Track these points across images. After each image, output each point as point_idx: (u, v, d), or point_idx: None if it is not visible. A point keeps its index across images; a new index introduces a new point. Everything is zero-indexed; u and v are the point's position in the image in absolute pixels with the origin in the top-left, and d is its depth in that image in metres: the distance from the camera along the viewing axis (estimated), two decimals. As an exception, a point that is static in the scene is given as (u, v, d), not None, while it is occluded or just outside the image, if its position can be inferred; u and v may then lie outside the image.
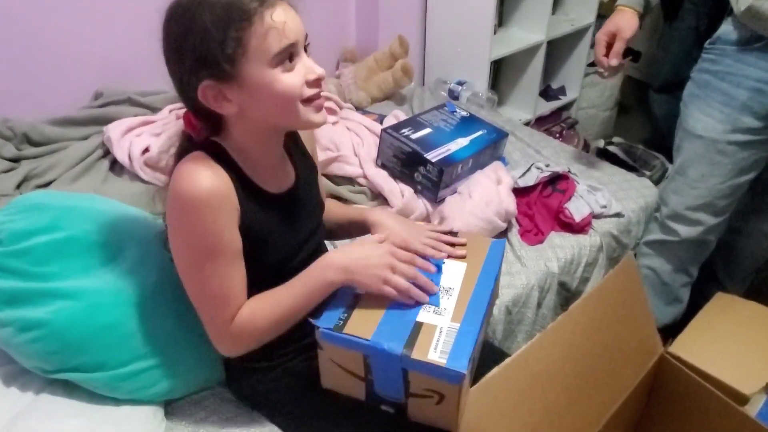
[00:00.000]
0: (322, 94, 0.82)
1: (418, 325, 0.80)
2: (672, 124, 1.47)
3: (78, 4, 1.55)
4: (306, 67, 0.79)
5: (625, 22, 1.38)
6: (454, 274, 0.91)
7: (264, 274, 0.88)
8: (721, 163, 1.34)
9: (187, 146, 0.84)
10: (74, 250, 0.93)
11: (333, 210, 1.10)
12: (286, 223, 0.90)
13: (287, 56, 0.76)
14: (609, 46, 1.41)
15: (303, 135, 1.01)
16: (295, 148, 0.97)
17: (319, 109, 0.82)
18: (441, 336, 0.78)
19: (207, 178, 0.77)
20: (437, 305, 0.84)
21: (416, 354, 0.76)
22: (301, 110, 0.80)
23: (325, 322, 0.80)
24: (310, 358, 0.98)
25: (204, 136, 0.82)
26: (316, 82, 0.80)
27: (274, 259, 0.90)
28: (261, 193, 0.86)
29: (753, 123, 1.28)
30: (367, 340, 0.77)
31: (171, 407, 1.01)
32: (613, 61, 1.40)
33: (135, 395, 0.93)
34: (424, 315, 0.83)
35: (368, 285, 0.82)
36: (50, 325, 0.87)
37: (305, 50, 0.80)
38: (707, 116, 1.33)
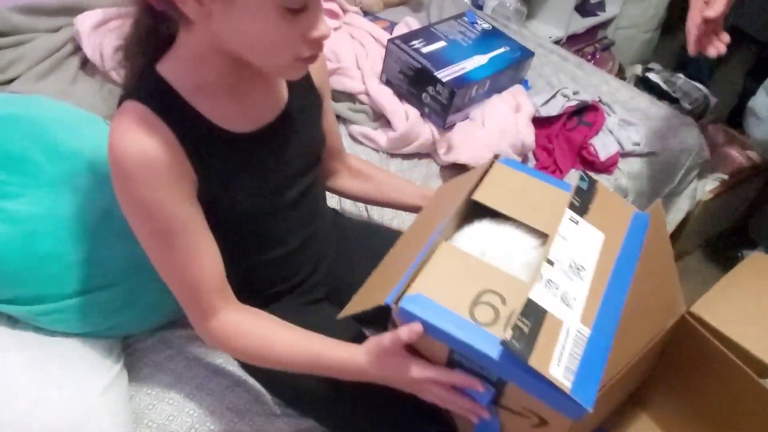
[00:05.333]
0: None
1: (541, 313, 0.57)
2: None
3: None
4: (312, 20, 0.62)
5: None
6: (587, 246, 0.65)
7: (243, 220, 0.76)
8: None
9: (146, 27, 0.65)
10: (10, 167, 0.79)
11: (384, 188, 0.97)
12: (259, 167, 0.74)
13: (299, 4, 0.59)
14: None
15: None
16: None
17: (305, 66, 0.67)
18: (567, 342, 0.56)
19: (138, 143, 0.62)
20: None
21: (534, 360, 0.53)
22: (286, 64, 0.65)
23: (409, 301, 0.59)
24: (296, 297, 0.89)
25: (163, 9, 0.62)
26: (317, 43, 0.64)
27: (250, 206, 0.75)
28: (222, 135, 0.69)
29: None
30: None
31: (133, 341, 0.94)
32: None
33: (83, 330, 0.85)
34: (547, 296, 0.58)
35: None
36: (-19, 252, 0.76)
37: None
38: None
